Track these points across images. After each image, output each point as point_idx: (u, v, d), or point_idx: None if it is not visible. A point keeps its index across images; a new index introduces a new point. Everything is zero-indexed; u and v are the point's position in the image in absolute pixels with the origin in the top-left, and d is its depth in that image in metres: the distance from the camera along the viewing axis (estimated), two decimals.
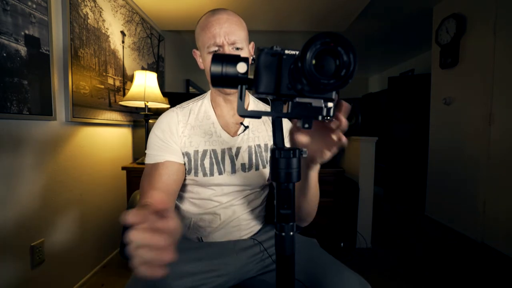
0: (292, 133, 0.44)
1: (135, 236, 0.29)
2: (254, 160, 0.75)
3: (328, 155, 0.45)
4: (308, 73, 0.28)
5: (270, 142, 0.78)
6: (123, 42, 2.02)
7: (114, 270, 1.73)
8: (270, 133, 0.77)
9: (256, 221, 0.82)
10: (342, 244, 1.93)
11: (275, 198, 0.35)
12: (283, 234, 0.34)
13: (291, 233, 0.34)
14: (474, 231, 2.15)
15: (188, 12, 2.49)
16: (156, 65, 2.71)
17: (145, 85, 1.69)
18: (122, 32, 2.01)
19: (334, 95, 0.33)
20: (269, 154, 0.75)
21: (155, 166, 0.69)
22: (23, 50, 1.14)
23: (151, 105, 1.77)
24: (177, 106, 0.78)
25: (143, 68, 2.37)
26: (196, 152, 0.72)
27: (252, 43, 0.78)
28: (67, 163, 1.44)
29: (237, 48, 0.69)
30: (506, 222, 1.91)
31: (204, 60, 0.71)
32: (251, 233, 0.80)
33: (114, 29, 1.89)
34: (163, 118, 0.74)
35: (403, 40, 3.53)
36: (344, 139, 0.42)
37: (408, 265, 1.80)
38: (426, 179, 2.76)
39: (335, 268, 0.65)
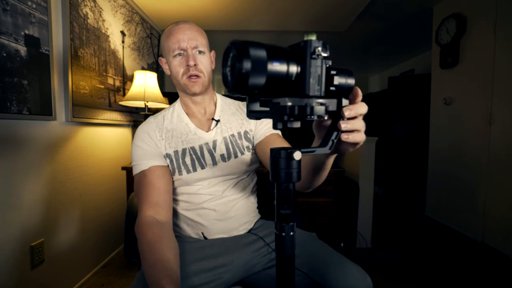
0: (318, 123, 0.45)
1: None
2: (231, 149, 0.80)
3: (341, 151, 0.43)
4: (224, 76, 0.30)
5: (243, 130, 0.83)
6: (123, 42, 2.02)
7: (114, 270, 1.72)
8: (241, 122, 0.84)
9: (251, 210, 0.85)
10: (342, 244, 1.93)
11: (275, 198, 0.35)
12: (283, 234, 0.34)
13: (291, 233, 0.34)
14: (474, 231, 2.15)
15: (188, 12, 2.49)
16: (156, 65, 2.71)
17: (145, 85, 1.69)
18: (122, 32, 2.01)
19: (314, 92, 0.29)
20: (244, 142, 0.81)
21: (143, 173, 0.73)
22: (23, 50, 1.14)
23: (151, 105, 1.77)
24: (150, 116, 0.84)
25: (143, 68, 2.37)
26: (176, 152, 0.77)
27: (213, 51, 0.84)
28: (67, 163, 1.44)
29: (200, 52, 0.76)
30: (506, 222, 1.91)
31: (170, 64, 0.77)
32: (249, 223, 0.83)
33: (114, 29, 1.89)
34: (140, 129, 0.80)
35: (403, 40, 3.53)
36: (352, 138, 0.38)
37: (408, 265, 1.80)
38: (426, 179, 2.76)
39: (336, 259, 0.67)
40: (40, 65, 1.24)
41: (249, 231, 0.82)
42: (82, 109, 1.52)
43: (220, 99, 0.88)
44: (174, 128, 0.80)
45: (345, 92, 0.36)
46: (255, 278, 0.76)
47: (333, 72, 0.32)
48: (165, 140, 0.78)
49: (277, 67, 0.28)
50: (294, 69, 0.29)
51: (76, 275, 1.52)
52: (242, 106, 0.89)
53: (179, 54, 0.74)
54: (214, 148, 0.79)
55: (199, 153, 0.78)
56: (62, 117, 1.40)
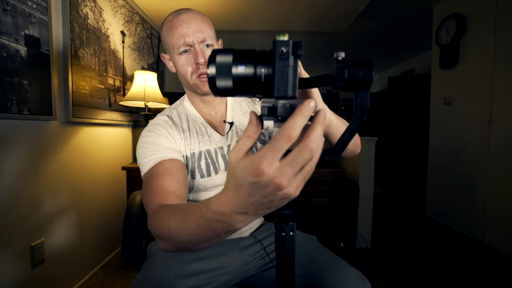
0: None
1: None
2: None
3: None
4: None
5: None
6: (123, 42, 2.02)
7: (114, 270, 1.73)
8: None
9: None
10: (342, 244, 1.93)
11: None
12: (283, 234, 0.34)
13: (291, 233, 0.34)
14: (474, 231, 2.15)
15: None
16: (156, 65, 2.71)
17: (145, 85, 1.70)
18: (122, 32, 2.01)
19: (281, 92, 0.29)
20: (258, 145, 0.75)
21: (161, 163, 0.62)
22: (23, 50, 1.14)
23: (151, 105, 1.77)
24: (162, 113, 0.75)
25: (143, 68, 2.37)
26: (193, 154, 0.72)
27: (220, 40, 0.77)
28: (67, 163, 1.44)
29: (208, 45, 0.68)
30: (506, 222, 1.91)
31: (175, 62, 0.70)
32: (252, 229, 0.81)
33: (114, 29, 1.89)
34: (156, 125, 0.70)
35: (403, 40, 3.53)
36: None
37: (408, 265, 1.80)
38: (426, 179, 2.76)
39: (334, 263, 0.66)
40: (40, 65, 1.24)
41: (250, 234, 0.81)
42: (82, 109, 1.52)
43: (231, 97, 0.78)
44: (190, 127, 0.73)
45: (362, 85, 0.32)
46: (250, 280, 0.76)
47: (340, 65, 0.31)
48: (184, 140, 0.71)
49: (243, 70, 0.30)
50: (262, 71, 0.30)
51: (76, 275, 1.52)
52: (252, 104, 0.83)
53: (185, 51, 0.67)
54: (228, 153, 0.73)
55: (214, 157, 0.72)
56: (62, 117, 1.40)
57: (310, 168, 0.27)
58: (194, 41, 0.66)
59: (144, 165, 0.64)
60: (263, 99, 0.30)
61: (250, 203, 0.28)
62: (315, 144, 0.26)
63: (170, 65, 0.74)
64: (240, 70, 0.30)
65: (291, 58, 0.29)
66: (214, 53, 0.30)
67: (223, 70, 0.30)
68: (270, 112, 0.29)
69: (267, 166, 0.25)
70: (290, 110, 0.28)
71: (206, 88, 0.69)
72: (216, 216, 0.32)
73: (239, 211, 0.29)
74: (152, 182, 0.59)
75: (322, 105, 0.46)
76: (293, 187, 0.27)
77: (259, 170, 0.25)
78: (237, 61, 0.30)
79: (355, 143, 0.62)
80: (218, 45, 0.74)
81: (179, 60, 0.68)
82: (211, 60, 0.30)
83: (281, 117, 0.29)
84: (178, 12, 0.68)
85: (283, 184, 0.25)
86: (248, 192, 0.27)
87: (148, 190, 0.58)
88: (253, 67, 0.30)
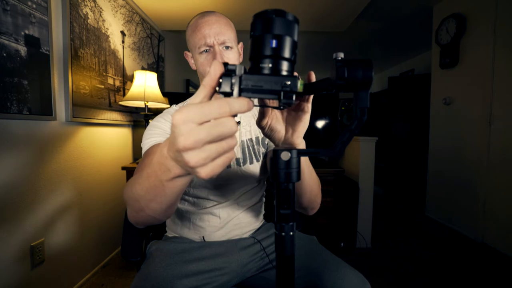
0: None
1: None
2: (247, 154, 0.77)
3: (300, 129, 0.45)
4: None
5: (261, 136, 0.80)
6: (123, 42, 2.02)
7: (114, 270, 1.72)
8: None
9: (256, 219, 0.83)
10: (342, 244, 1.93)
11: (275, 198, 0.35)
12: (283, 234, 0.34)
13: (291, 233, 0.34)
14: (474, 231, 2.15)
15: (188, 12, 2.49)
16: (156, 65, 2.71)
17: (145, 85, 1.69)
18: (122, 32, 2.01)
19: (247, 84, 0.32)
20: (261, 148, 0.78)
21: (157, 145, 0.64)
22: (23, 50, 1.14)
23: (151, 105, 1.77)
24: (175, 105, 0.82)
25: (143, 68, 2.37)
26: None
27: (241, 43, 0.81)
28: (67, 163, 1.44)
29: (227, 47, 0.71)
30: (506, 222, 1.91)
31: (196, 61, 0.74)
32: (252, 231, 0.81)
33: (114, 29, 1.89)
34: (166, 113, 0.76)
35: (403, 40, 3.53)
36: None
37: (408, 265, 1.80)
38: (426, 179, 2.76)
39: (334, 264, 0.66)
40: (40, 65, 1.24)
41: (250, 235, 0.81)
42: (82, 109, 1.52)
43: None
44: None
45: (362, 85, 0.32)
46: (249, 281, 0.76)
47: (339, 64, 0.31)
48: None
49: (266, 43, 0.31)
50: (266, 65, 0.31)
51: (76, 275, 1.52)
52: None
53: (206, 51, 0.71)
54: None
55: None
56: (62, 117, 1.40)
57: (226, 144, 0.26)
58: (214, 43, 0.69)
59: (144, 146, 0.69)
60: (243, 66, 0.31)
61: (172, 150, 0.28)
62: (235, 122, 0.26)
63: (191, 62, 0.79)
64: (266, 40, 0.31)
65: (282, 93, 0.30)
66: (283, 12, 0.32)
67: (264, 25, 0.32)
68: (227, 74, 0.30)
69: (183, 120, 0.25)
70: (230, 91, 0.30)
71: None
72: (158, 157, 0.34)
73: (170, 155, 0.30)
74: (144, 160, 0.62)
75: (298, 141, 0.46)
76: (197, 157, 0.25)
77: (175, 120, 0.25)
78: (275, 38, 0.31)
79: (315, 198, 0.61)
80: (238, 48, 0.77)
81: (199, 59, 0.72)
82: (282, 12, 0.32)
83: (224, 94, 0.30)
84: (203, 14, 0.73)
85: (186, 144, 0.24)
86: (172, 136, 0.27)
87: (138, 167, 0.61)
88: (270, 54, 0.31)
